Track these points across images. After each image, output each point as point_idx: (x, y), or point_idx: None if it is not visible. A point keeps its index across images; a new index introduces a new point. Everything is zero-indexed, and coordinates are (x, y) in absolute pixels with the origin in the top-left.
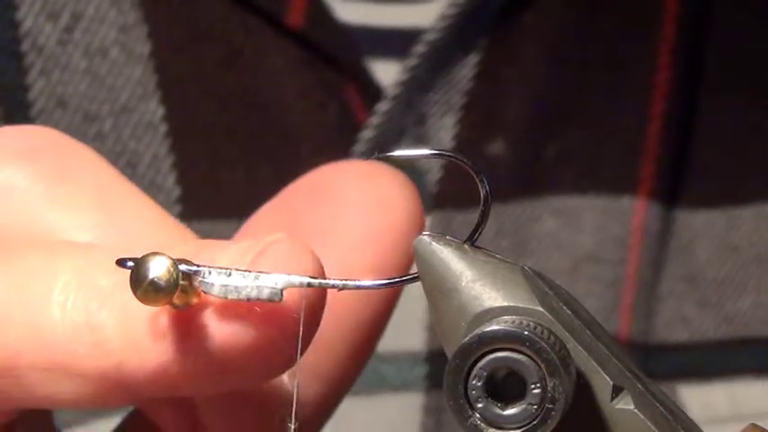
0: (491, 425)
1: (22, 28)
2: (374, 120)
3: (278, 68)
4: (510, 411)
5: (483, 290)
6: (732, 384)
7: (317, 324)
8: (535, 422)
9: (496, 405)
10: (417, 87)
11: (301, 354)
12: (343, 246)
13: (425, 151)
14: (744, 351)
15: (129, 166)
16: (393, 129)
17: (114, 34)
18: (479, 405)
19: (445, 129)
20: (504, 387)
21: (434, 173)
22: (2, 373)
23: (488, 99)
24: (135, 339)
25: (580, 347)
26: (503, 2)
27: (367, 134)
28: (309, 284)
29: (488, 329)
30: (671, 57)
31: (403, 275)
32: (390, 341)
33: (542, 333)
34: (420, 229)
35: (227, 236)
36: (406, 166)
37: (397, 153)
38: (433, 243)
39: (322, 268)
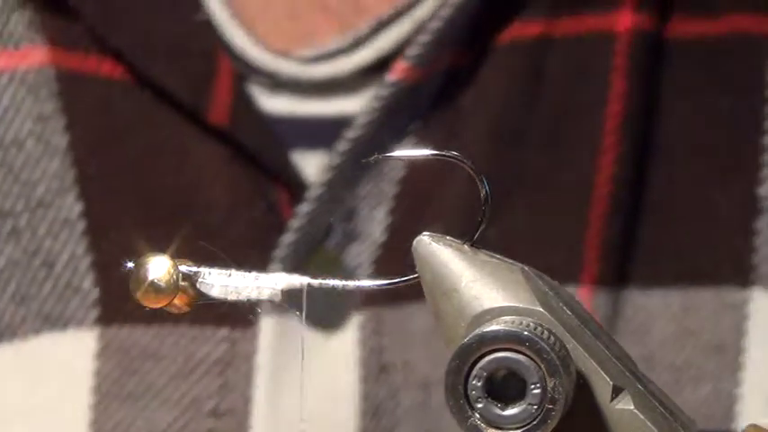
0: (491, 425)
1: None
2: (296, 222)
3: (201, 165)
4: (510, 411)
5: (483, 290)
6: None
7: None
8: (535, 422)
9: (496, 405)
10: (343, 183)
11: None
12: None
13: (425, 152)
14: None
15: (44, 266)
16: (317, 228)
17: (30, 125)
18: (479, 405)
19: (376, 221)
20: (504, 387)
21: (364, 268)
22: None
23: (423, 186)
24: None
25: (580, 348)
26: (438, 82)
27: (288, 238)
28: (309, 285)
29: (488, 329)
30: (616, 136)
31: (403, 276)
32: None
33: (542, 333)
34: None
35: (146, 343)
36: (337, 264)
37: (397, 153)
38: (433, 243)
39: None
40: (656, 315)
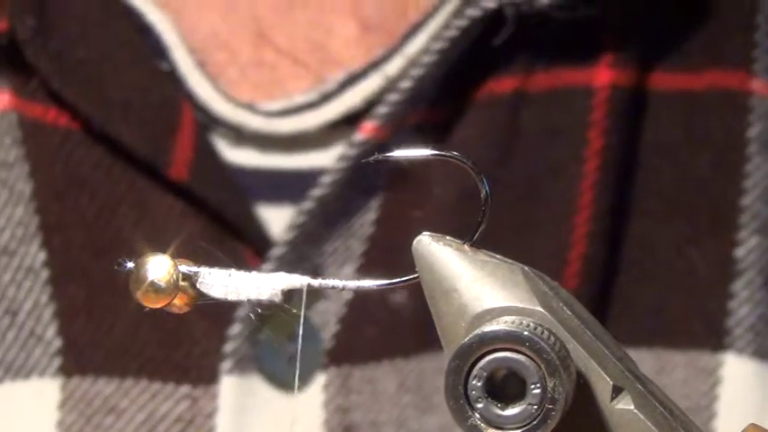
0: (491, 425)
1: None
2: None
3: (160, 221)
4: (510, 411)
5: (483, 290)
6: None
7: None
8: (535, 422)
9: (496, 405)
10: (309, 242)
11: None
12: None
13: (425, 152)
14: None
15: (8, 314)
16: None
17: None
18: (479, 405)
19: (344, 279)
20: (504, 387)
21: (330, 326)
22: None
23: (391, 243)
24: None
25: (580, 348)
26: (408, 138)
27: None
28: (309, 285)
29: (488, 329)
30: (593, 193)
31: (403, 276)
32: None
33: (542, 333)
34: None
35: (108, 395)
36: (302, 323)
37: (397, 153)
38: (433, 243)
39: None
40: None
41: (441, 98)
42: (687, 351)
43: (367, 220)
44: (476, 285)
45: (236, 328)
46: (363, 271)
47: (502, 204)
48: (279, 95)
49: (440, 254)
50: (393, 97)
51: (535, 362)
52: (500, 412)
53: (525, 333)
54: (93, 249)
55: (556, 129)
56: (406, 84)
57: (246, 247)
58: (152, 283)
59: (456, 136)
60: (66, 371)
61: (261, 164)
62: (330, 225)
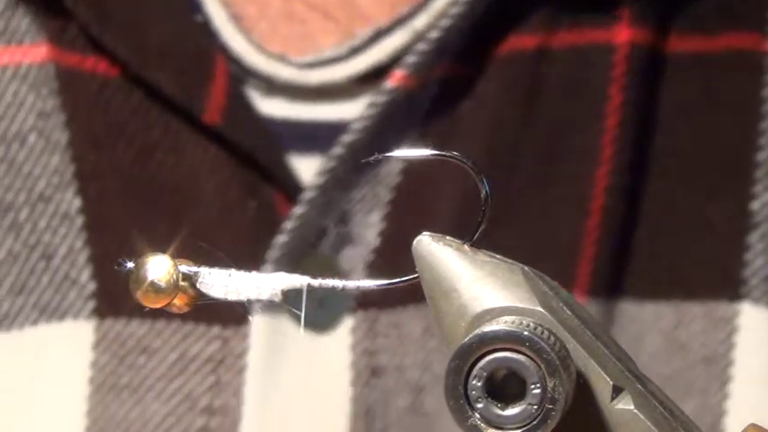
0: (491, 425)
1: None
2: (289, 224)
3: (194, 165)
4: (510, 411)
5: (483, 290)
6: None
7: None
8: (535, 422)
9: (496, 405)
10: (338, 187)
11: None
12: None
13: (425, 152)
14: None
15: (43, 258)
16: (311, 230)
17: (32, 120)
18: (479, 405)
19: (371, 226)
20: (504, 387)
21: (358, 272)
22: None
23: (418, 194)
24: None
25: (580, 348)
26: (434, 94)
27: (282, 239)
28: (310, 285)
29: (488, 329)
30: (613, 148)
31: (403, 276)
32: None
33: (542, 333)
34: None
35: (140, 337)
36: (330, 267)
37: (397, 153)
38: (433, 243)
39: None
40: (648, 327)
41: (465, 53)
42: (705, 302)
43: (394, 169)
44: (476, 285)
45: (267, 269)
46: (390, 219)
47: (525, 157)
48: (309, 50)
49: (440, 254)
50: (421, 47)
51: (535, 362)
52: (500, 412)
53: (525, 333)
54: (128, 195)
55: (577, 85)
56: (433, 34)
57: (278, 192)
58: (152, 283)
59: (479, 90)
60: (100, 313)
61: (291, 115)
62: (359, 172)
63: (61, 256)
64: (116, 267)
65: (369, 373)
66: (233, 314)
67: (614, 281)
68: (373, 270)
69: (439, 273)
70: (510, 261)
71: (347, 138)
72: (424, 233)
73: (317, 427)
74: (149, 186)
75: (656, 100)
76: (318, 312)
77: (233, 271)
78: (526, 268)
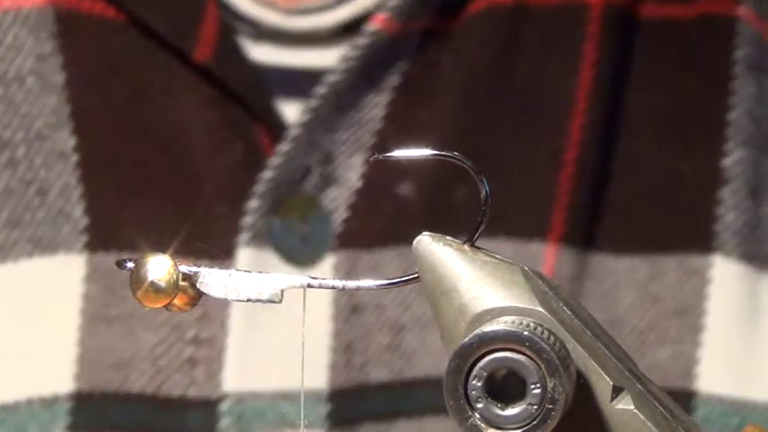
0: (491, 425)
1: None
2: (275, 160)
3: (185, 105)
4: (510, 411)
5: (483, 290)
6: None
7: None
8: (535, 422)
9: (496, 405)
10: (322, 127)
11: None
12: None
13: (425, 151)
14: None
15: (38, 194)
16: (296, 168)
17: (31, 63)
18: (479, 405)
19: (353, 168)
20: (504, 387)
21: (340, 212)
22: None
23: (398, 139)
24: None
25: (580, 348)
26: (415, 43)
27: (267, 174)
28: (309, 285)
29: (488, 329)
30: (587, 103)
31: (403, 276)
32: (292, 379)
33: (542, 333)
34: None
35: (128, 268)
36: (313, 206)
37: (397, 153)
38: (433, 243)
39: None
40: (624, 280)
41: (446, 7)
42: (678, 254)
43: (377, 114)
44: (476, 285)
45: (253, 203)
46: (371, 163)
47: (502, 108)
48: (295, 2)
49: (440, 254)
50: None
51: (535, 362)
52: (500, 412)
53: (525, 333)
54: (121, 134)
55: (552, 41)
56: None
57: (264, 133)
58: (152, 283)
59: (458, 43)
60: (92, 247)
61: (277, 61)
62: (342, 114)
63: (56, 192)
64: (117, 267)
65: (349, 310)
66: (221, 248)
67: (589, 234)
68: (355, 211)
69: (439, 273)
70: (510, 261)
71: (331, 77)
72: (424, 233)
73: (299, 360)
74: (142, 125)
75: (631, 62)
76: (302, 248)
77: (233, 271)
78: (526, 268)
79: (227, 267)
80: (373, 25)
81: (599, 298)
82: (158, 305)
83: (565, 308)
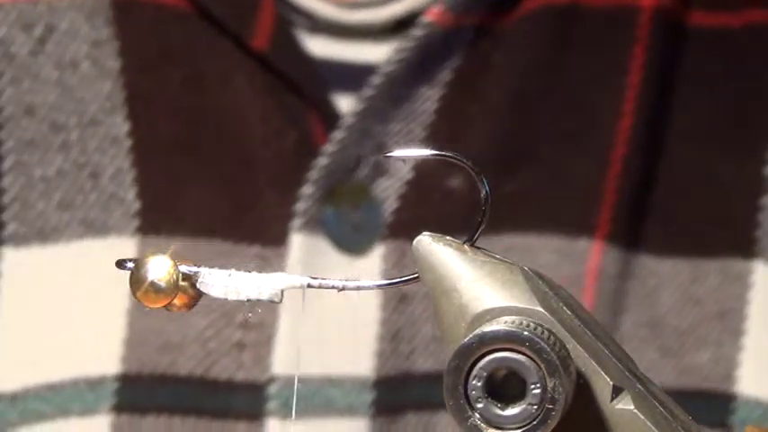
0: (491, 425)
1: None
2: (329, 147)
3: (240, 92)
4: (510, 411)
5: (483, 290)
6: None
7: None
8: (535, 422)
9: (496, 405)
10: (375, 117)
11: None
12: None
13: (425, 151)
14: (700, 404)
15: (91, 177)
16: (349, 157)
17: (86, 49)
18: (479, 405)
19: (405, 160)
20: (504, 387)
21: (391, 202)
22: None
23: (449, 133)
24: None
25: (580, 348)
26: (468, 38)
27: (321, 161)
28: (309, 285)
29: (488, 329)
30: (635, 104)
31: (403, 276)
32: (339, 365)
33: (542, 333)
34: None
35: (182, 254)
36: (365, 194)
37: (397, 153)
38: (434, 243)
39: None
40: (666, 282)
41: (500, 5)
42: (719, 259)
43: (428, 108)
44: (476, 285)
45: (307, 189)
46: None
47: (552, 106)
48: None
49: (440, 254)
50: None
51: (535, 362)
52: (500, 412)
53: (525, 333)
54: (176, 120)
55: (603, 42)
56: None
57: (318, 121)
58: (152, 283)
59: (511, 41)
60: (144, 231)
61: (331, 54)
62: (395, 105)
63: (108, 176)
64: (117, 267)
65: (397, 299)
66: (273, 233)
67: (633, 234)
68: (405, 201)
69: (439, 272)
70: (510, 261)
71: (386, 68)
72: (425, 233)
73: (347, 347)
74: (196, 111)
75: (678, 67)
76: (353, 236)
77: (233, 271)
78: (526, 268)
79: (282, 254)
80: (428, 17)
81: (641, 298)
82: (158, 305)
83: (565, 308)
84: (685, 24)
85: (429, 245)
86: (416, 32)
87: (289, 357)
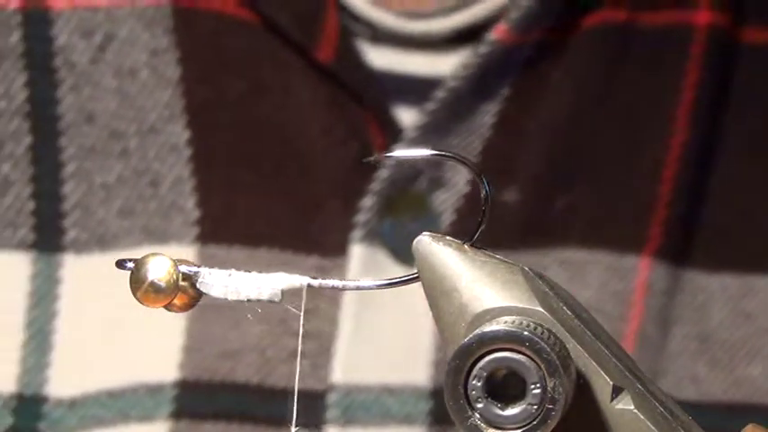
0: (491, 425)
1: (56, 44)
2: (390, 160)
3: (303, 103)
4: (510, 411)
5: (483, 290)
6: None
7: None
8: (535, 422)
9: (496, 405)
10: (436, 131)
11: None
12: None
13: (425, 152)
14: (751, 417)
15: (151, 185)
16: (409, 170)
17: (145, 57)
18: (479, 405)
19: (462, 173)
20: (504, 387)
21: (448, 214)
22: None
23: (505, 147)
24: None
25: (580, 348)
26: (527, 54)
27: (383, 173)
28: (309, 285)
29: (488, 329)
30: (688, 120)
31: (403, 275)
32: (397, 375)
33: (542, 333)
34: None
35: (240, 262)
36: (423, 206)
37: (397, 153)
38: (434, 243)
39: None
40: (715, 297)
41: (559, 22)
42: None
43: (487, 122)
44: (476, 285)
45: (368, 201)
46: (479, 167)
47: (606, 122)
48: (412, 6)
49: (440, 254)
50: (524, 2)
51: (535, 362)
52: (500, 412)
53: (525, 333)
54: (236, 129)
55: (658, 59)
56: None
57: (379, 133)
58: (152, 284)
59: (569, 58)
60: (203, 239)
61: (393, 67)
62: (457, 119)
63: (168, 185)
64: (117, 267)
65: None
66: (332, 244)
67: (683, 249)
68: (462, 214)
69: (439, 272)
70: (510, 261)
71: (451, 83)
72: (424, 233)
73: (404, 356)
74: (256, 121)
75: (730, 84)
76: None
77: (233, 271)
78: (526, 268)
79: (341, 265)
80: (494, 35)
81: (690, 313)
82: (158, 305)
83: (565, 308)
84: (738, 41)
85: (429, 245)
86: (482, 49)
87: (348, 366)
